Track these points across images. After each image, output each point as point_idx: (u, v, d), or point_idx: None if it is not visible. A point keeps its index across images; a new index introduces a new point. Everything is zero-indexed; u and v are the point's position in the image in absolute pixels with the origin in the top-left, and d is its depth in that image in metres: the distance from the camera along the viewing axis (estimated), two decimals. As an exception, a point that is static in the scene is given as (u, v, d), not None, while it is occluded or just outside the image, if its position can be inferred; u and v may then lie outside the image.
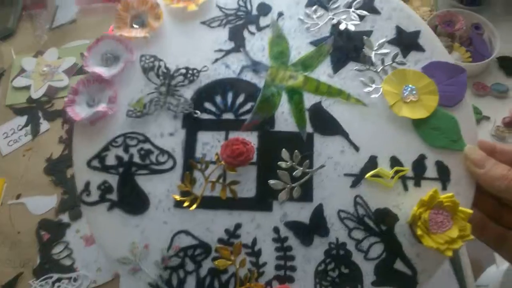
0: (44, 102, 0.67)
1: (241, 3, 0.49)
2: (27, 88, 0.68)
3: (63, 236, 0.55)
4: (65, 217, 0.56)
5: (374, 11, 0.49)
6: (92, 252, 0.53)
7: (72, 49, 0.71)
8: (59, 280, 0.52)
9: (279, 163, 0.42)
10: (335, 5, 0.49)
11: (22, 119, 0.65)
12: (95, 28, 0.73)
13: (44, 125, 0.65)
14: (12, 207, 0.59)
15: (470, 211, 0.39)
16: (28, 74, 0.68)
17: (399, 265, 0.41)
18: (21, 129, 0.65)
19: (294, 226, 0.41)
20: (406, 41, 0.47)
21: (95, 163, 0.43)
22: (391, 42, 0.47)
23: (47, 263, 0.54)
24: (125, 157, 0.43)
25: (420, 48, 0.47)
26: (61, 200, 0.57)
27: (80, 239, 0.54)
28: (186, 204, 0.41)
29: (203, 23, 0.48)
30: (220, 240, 0.41)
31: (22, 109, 0.66)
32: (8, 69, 0.71)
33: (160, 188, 0.42)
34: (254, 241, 0.41)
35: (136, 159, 0.43)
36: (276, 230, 0.41)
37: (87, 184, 0.43)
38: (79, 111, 0.44)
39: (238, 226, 0.41)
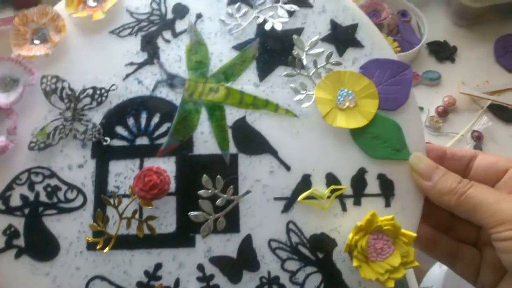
0: None
1: (154, 5, 0.44)
2: None
3: None
4: None
5: (305, 4, 0.43)
6: None
7: None
8: None
9: (199, 192, 0.37)
10: (261, 1, 0.43)
11: None
12: None
13: None
14: None
15: (414, 234, 0.35)
16: None
17: (339, 295, 0.36)
18: None
19: (220, 261, 0.37)
20: (342, 37, 0.42)
21: (0, 205, 0.39)
22: (325, 39, 0.42)
23: None
24: (31, 197, 0.39)
25: (358, 44, 0.42)
26: None
27: None
28: (99, 246, 0.37)
29: (112, 32, 0.43)
30: (139, 284, 0.37)
31: None
32: None
33: (70, 229, 0.38)
34: (177, 282, 0.37)
35: (43, 197, 0.39)
36: (200, 267, 0.37)
37: (-9, 230, 0.38)
38: (-25, 148, 0.39)
39: (158, 266, 0.37)
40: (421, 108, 0.65)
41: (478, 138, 0.62)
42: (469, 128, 0.64)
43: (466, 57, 0.72)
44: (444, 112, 0.65)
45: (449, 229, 0.42)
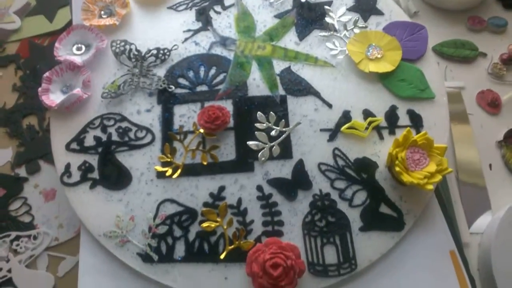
0: None
1: None
2: None
3: (20, 191, 0.54)
4: (22, 171, 0.55)
5: (332, -17, 0.56)
6: (53, 208, 0.52)
7: None
8: (17, 238, 0.50)
9: (256, 124, 0.46)
10: (295, -19, 0.56)
11: None
12: None
13: None
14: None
15: (445, 145, 0.44)
16: None
17: (384, 208, 0.45)
18: None
19: (277, 183, 0.46)
20: (365, 7, 0.54)
21: (74, 145, 0.48)
22: (351, 9, 0.55)
23: (4, 220, 0.52)
24: (104, 137, 0.48)
25: (379, 12, 0.54)
26: (16, 153, 0.56)
27: (40, 195, 0.53)
28: (168, 173, 0.45)
29: (170, 7, 0.55)
30: (206, 204, 0.45)
31: None
32: None
33: (141, 162, 0.47)
34: (239, 201, 0.45)
35: (115, 137, 0.48)
36: (259, 188, 0.45)
37: (67, 166, 0.47)
38: (54, 98, 0.49)
39: (222, 188, 0.45)
40: (484, 54, 0.64)
41: (541, 91, 0.62)
42: (533, 78, 0.64)
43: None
44: (509, 60, 0.63)
45: None
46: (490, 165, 0.56)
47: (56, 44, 0.53)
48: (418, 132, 0.49)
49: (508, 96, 0.60)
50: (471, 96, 0.60)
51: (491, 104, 0.60)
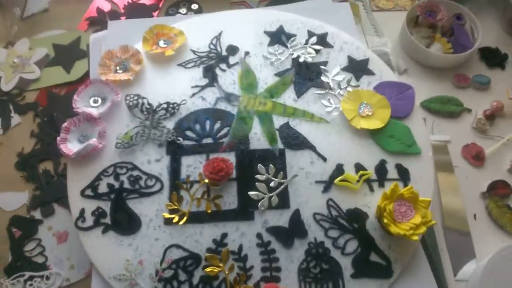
0: (15, 94, 0.68)
1: (212, 46, 0.62)
2: None
3: (35, 233, 0.57)
4: (37, 214, 0.58)
5: (327, 45, 0.62)
6: (65, 250, 0.55)
7: (44, 39, 0.73)
8: (31, 278, 0.53)
9: (256, 176, 0.51)
10: (293, 43, 0.62)
11: None
12: (67, 18, 0.76)
13: (15, 118, 0.67)
14: (-19, 204, 0.62)
15: (429, 199, 0.49)
16: None
17: (374, 257, 0.49)
18: None
19: (275, 231, 0.50)
20: (357, 67, 0.60)
21: (88, 192, 0.52)
22: (344, 69, 0.60)
23: (19, 260, 0.55)
24: (116, 184, 0.52)
25: (370, 72, 0.60)
26: (32, 196, 0.59)
27: (53, 236, 0.56)
28: (175, 220, 0.50)
29: (180, 65, 0.60)
30: (209, 250, 0.49)
31: None
32: None
33: (150, 208, 0.51)
34: (240, 248, 0.49)
35: (127, 185, 0.53)
36: (259, 236, 0.50)
37: (82, 212, 0.51)
38: (72, 147, 0.54)
39: (224, 235, 0.50)
40: (469, 110, 0.68)
41: (523, 144, 0.66)
42: (515, 134, 0.68)
43: (517, 66, 0.76)
44: (492, 116, 0.67)
45: None
46: (475, 215, 0.60)
47: (75, 97, 0.58)
48: (405, 185, 0.54)
49: (491, 150, 0.65)
50: (456, 149, 0.65)
51: (476, 157, 0.64)
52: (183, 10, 0.74)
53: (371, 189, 0.54)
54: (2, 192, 0.62)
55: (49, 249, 0.57)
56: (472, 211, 0.60)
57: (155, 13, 0.74)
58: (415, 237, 0.49)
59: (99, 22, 0.74)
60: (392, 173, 0.55)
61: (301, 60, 0.62)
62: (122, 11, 0.74)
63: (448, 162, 0.63)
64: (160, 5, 0.75)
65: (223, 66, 0.62)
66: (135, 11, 0.74)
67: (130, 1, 0.75)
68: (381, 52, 0.72)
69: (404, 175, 0.55)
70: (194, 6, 0.74)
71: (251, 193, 0.52)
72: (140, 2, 0.76)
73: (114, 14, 0.74)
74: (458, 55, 0.70)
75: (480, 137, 0.67)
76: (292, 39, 0.64)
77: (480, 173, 0.64)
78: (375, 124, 0.57)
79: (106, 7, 0.76)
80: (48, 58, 0.72)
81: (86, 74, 0.68)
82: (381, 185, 0.54)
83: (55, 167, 0.63)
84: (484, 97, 0.71)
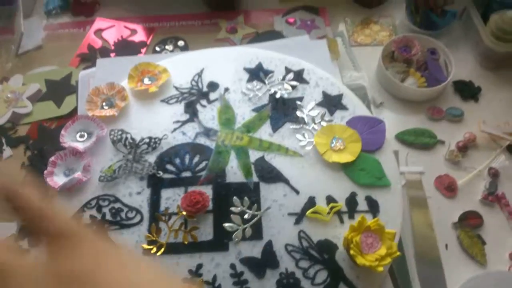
0: (7, 128, 0.72)
1: (193, 83, 0.66)
2: None
3: None
4: (24, 244, 0.60)
5: (303, 81, 0.66)
6: None
7: (37, 75, 0.77)
8: None
9: (231, 208, 0.54)
10: (271, 79, 0.65)
11: None
12: (60, 54, 0.79)
13: (7, 151, 0.69)
14: (-28, 233, 0.64)
15: (394, 231, 0.52)
16: None
17: (343, 287, 0.52)
18: None
19: (248, 261, 0.53)
20: (331, 102, 0.63)
21: None
22: (319, 104, 0.64)
23: None
24: (98, 216, 0.55)
25: (344, 107, 0.63)
26: (20, 227, 0.61)
27: None
28: (153, 251, 0.53)
29: (163, 100, 0.64)
30: (185, 280, 0.51)
31: None
32: None
33: (130, 239, 0.54)
34: (215, 278, 0.52)
35: (108, 217, 0.56)
36: (233, 266, 0.52)
37: (65, 242, 0.54)
38: (57, 180, 0.57)
39: (199, 266, 0.53)
40: (442, 142, 0.71)
41: (494, 175, 0.67)
42: (487, 164, 0.68)
43: (489, 98, 0.77)
44: (464, 148, 0.69)
45: None
46: (446, 245, 0.63)
47: (62, 131, 0.62)
48: (374, 216, 0.57)
49: (463, 181, 0.68)
50: (429, 180, 0.68)
51: (448, 188, 0.67)
52: (169, 47, 0.78)
53: (341, 221, 0.56)
54: (-8, 222, 0.65)
55: (35, 278, 0.59)
56: (444, 240, 0.63)
57: (143, 50, 0.78)
58: (380, 268, 0.51)
59: (90, 58, 0.78)
60: (362, 205, 0.58)
61: (277, 96, 0.65)
62: (112, 48, 0.79)
63: (422, 196, 0.66)
64: (148, 42, 0.80)
65: (204, 102, 0.65)
66: (124, 48, 0.78)
67: (120, 39, 0.79)
68: (359, 85, 0.76)
69: (373, 207, 0.57)
70: (180, 43, 0.78)
71: (226, 224, 0.55)
72: (129, 39, 0.80)
73: (105, 51, 0.78)
74: (432, 89, 0.73)
75: (453, 168, 0.70)
76: (270, 75, 0.67)
77: (452, 204, 0.66)
78: (346, 157, 0.60)
79: (97, 43, 0.80)
80: (40, 93, 0.76)
81: (76, 109, 0.72)
82: (351, 216, 0.57)
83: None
84: (457, 129, 0.73)
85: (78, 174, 0.58)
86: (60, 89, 0.75)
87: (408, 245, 0.62)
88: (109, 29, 0.83)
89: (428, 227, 0.63)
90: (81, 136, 0.62)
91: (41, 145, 0.70)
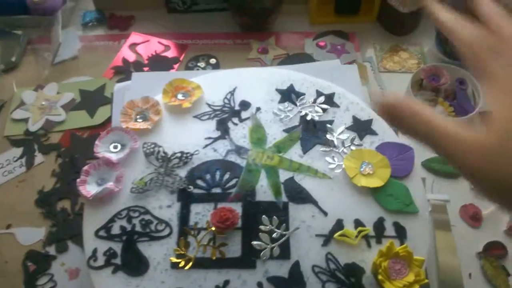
0: (40, 135, 0.73)
1: (226, 100, 0.67)
2: (25, 120, 0.74)
3: (48, 268, 0.60)
4: (51, 250, 0.62)
5: (334, 104, 0.67)
6: (75, 286, 0.58)
7: (72, 85, 0.79)
8: None
9: (260, 227, 0.55)
10: (302, 101, 0.67)
11: (18, 151, 0.71)
12: (95, 65, 0.82)
13: (39, 157, 0.71)
14: (1, 236, 0.63)
15: (423, 258, 0.52)
16: (27, 107, 0.75)
17: (368, 312, 0.52)
18: (16, 160, 0.70)
19: (275, 280, 0.53)
20: (361, 127, 0.64)
21: (102, 233, 0.56)
22: (349, 128, 0.64)
23: None
24: (128, 227, 0.56)
25: (373, 132, 0.64)
26: (49, 233, 0.63)
27: (65, 272, 0.60)
28: (181, 264, 0.54)
29: (195, 116, 0.66)
30: (211, 295, 0.52)
31: (19, 141, 0.72)
32: (8, 101, 0.77)
33: (158, 252, 0.55)
34: None
35: (138, 228, 0.57)
36: (259, 284, 0.53)
37: (94, 251, 0.55)
38: (90, 189, 0.58)
39: (226, 282, 0.53)
40: None
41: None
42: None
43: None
44: None
45: None
46: (470, 274, 0.63)
47: (97, 142, 0.63)
48: (402, 242, 0.57)
49: (489, 211, 0.68)
50: (455, 209, 0.68)
51: (473, 217, 0.67)
52: (201, 64, 0.80)
53: (369, 245, 0.57)
54: (21, 227, 0.66)
55: (61, 285, 0.61)
56: (467, 270, 0.63)
57: (176, 65, 0.80)
58: (408, 296, 0.51)
59: (123, 71, 0.80)
60: (390, 230, 0.58)
61: (308, 118, 0.66)
62: (146, 62, 0.81)
63: (446, 220, 0.66)
64: (181, 59, 0.82)
65: (236, 120, 0.66)
66: (157, 63, 0.80)
67: (154, 53, 0.82)
68: (386, 111, 0.76)
69: (401, 233, 0.58)
70: (212, 61, 0.80)
71: (254, 243, 0.56)
72: (162, 54, 0.82)
73: (138, 65, 0.80)
74: (460, 119, 0.73)
75: (478, 198, 0.70)
76: (301, 97, 0.69)
77: (476, 233, 0.66)
78: (375, 182, 0.60)
79: (131, 57, 0.83)
80: (74, 102, 0.78)
81: (108, 120, 0.74)
82: (379, 241, 0.57)
83: (72, 206, 0.67)
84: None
85: (110, 185, 0.59)
86: (93, 99, 0.77)
87: (431, 272, 0.61)
88: (143, 43, 0.85)
89: (452, 254, 0.63)
90: (115, 147, 0.63)
91: (72, 154, 0.72)
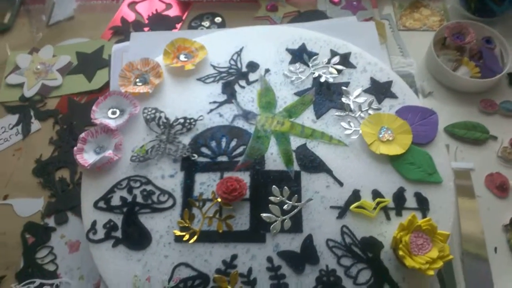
0: (36, 101, 0.70)
1: (232, 62, 0.62)
2: (20, 85, 0.70)
3: (47, 241, 0.58)
4: (50, 221, 0.59)
5: (350, 65, 0.61)
6: (76, 259, 0.56)
7: (68, 47, 0.74)
8: (41, 285, 0.54)
9: (270, 198, 0.51)
10: (315, 62, 0.61)
11: (14, 118, 0.68)
12: (92, 26, 0.77)
13: (35, 124, 0.68)
14: (-2, 207, 0.63)
15: (448, 233, 0.48)
16: (22, 72, 0.71)
17: (387, 289, 0.48)
18: (12, 128, 0.67)
19: (286, 255, 0.49)
20: (380, 90, 0.59)
21: (101, 204, 0.53)
22: (366, 91, 0.59)
23: (30, 267, 0.56)
24: (129, 198, 0.53)
25: (393, 95, 0.59)
26: (47, 203, 0.61)
27: (65, 245, 0.58)
28: (185, 238, 0.50)
29: (199, 79, 0.60)
30: (218, 271, 0.49)
31: (14, 107, 0.69)
32: (2, 65, 0.73)
33: (161, 225, 0.51)
34: (250, 271, 0.48)
35: (139, 199, 0.53)
36: (269, 259, 0.49)
37: (94, 224, 0.52)
38: (87, 158, 0.54)
39: (234, 257, 0.49)
40: (495, 138, 0.66)
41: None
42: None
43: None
44: None
45: None
46: (496, 248, 0.58)
47: (94, 107, 0.59)
48: (424, 215, 0.53)
49: (517, 180, 0.63)
50: (479, 178, 0.63)
51: (500, 187, 0.62)
52: (206, 23, 0.74)
53: (388, 218, 0.52)
54: (19, 197, 0.63)
55: (61, 257, 0.58)
56: (493, 243, 0.59)
57: (178, 25, 0.75)
58: (431, 272, 0.47)
59: (123, 31, 0.75)
60: (411, 201, 0.53)
61: (322, 80, 0.61)
62: (146, 21, 0.75)
63: (470, 186, 0.62)
64: (184, 18, 0.76)
65: (243, 82, 0.61)
66: (158, 22, 0.74)
67: (154, 12, 0.76)
68: (406, 73, 0.71)
69: (423, 204, 0.53)
70: (218, 20, 0.74)
71: (263, 215, 0.51)
72: (164, 13, 0.76)
73: (138, 25, 0.75)
74: (485, 80, 0.68)
75: (505, 166, 0.65)
76: (314, 58, 0.63)
77: (503, 205, 0.62)
78: (395, 150, 0.55)
79: (131, 17, 0.77)
80: (71, 66, 0.73)
81: (107, 84, 0.69)
82: (399, 214, 0.53)
83: (71, 175, 0.63)
84: (511, 124, 0.69)
85: (109, 153, 0.55)
86: (91, 62, 0.72)
87: (454, 244, 0.57)
88: (143, 2, 0.79)
89: (476, 221, 0.59)
90: (113, 113, 0.59)
91: (71, 120, 0.68)
